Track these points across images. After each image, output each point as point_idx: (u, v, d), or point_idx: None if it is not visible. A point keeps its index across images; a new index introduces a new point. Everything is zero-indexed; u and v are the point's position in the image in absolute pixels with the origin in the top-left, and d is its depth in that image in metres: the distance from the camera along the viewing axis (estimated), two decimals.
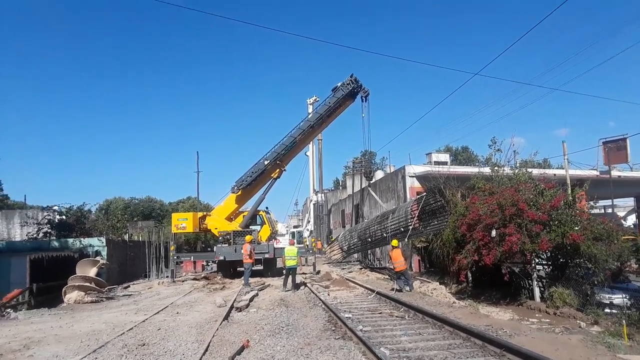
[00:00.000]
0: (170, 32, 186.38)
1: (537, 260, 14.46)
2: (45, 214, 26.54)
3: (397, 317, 11.38)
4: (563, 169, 25.54)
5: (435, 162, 31.46)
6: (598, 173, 30.59)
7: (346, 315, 11.26)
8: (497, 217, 13.63)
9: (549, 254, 14.44)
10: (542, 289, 14.07)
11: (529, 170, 17.88)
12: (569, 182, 22.74)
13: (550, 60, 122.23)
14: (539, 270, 14.57)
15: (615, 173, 31.03)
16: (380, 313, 12.03)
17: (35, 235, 24.51)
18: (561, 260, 14.37)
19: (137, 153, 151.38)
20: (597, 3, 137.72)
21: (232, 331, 10.17)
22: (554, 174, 21.40)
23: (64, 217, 26.24)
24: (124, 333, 10.21)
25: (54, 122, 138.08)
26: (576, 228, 13.15)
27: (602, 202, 33.93)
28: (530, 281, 14.47)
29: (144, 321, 11.79)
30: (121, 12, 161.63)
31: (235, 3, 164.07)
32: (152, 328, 10.82)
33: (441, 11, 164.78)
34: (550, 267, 14.82)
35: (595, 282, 13.25)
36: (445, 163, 32.43)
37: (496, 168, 18.76)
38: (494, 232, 13.46)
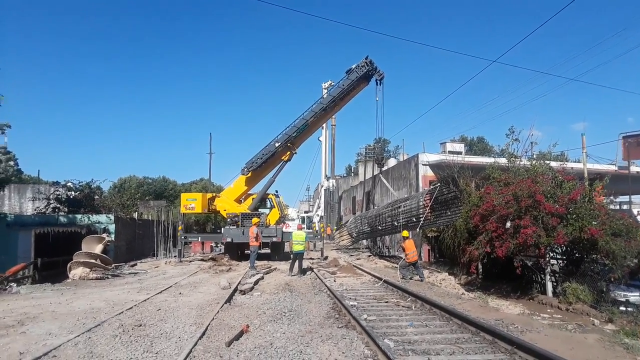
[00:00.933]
0: (186, 13, 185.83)
1: (551, 254, 14.03)
2: (54, 189, 26.49)
3: (403, 307, 11.02)
4: (580, 162, 24.80)
5: (449, 151, 30.83)
6: (616, 168, 29.70)
7: (351, 303, 10.94)
8: (512, 209, 13.19)
9: (564, 248, 13.99)
10: (555, 283, 13.66)
11: (547, 162, 17.28)
12: (586, 175, 22.10)
13: (570, 50, 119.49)
14: (552, 265, 14.13)
15: (634, 169, 30.16)
16: (386, 302, 11.68)
17: (44, 210, 24.49)
18: (577, 255, 13.94)
19: (152, 133, 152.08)
20: None
21: (233, 315, 9.91)
22: (572, 167, 20.76)
23: (73, 192, 26.19)
24: (122, 312, 10.00)
25: (72, 99, 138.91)
26: (594, 223, 12.69)
27: (618, 198, 33.09)
28: (542, 275, 14.06)
29: (145, 300, 11.60)
30: None
31: None
32: (152, 308, 10.60)
33: None
34: (565, 262, 14.38)
35: (612, 279, 12.79)
36: (460, 153, 31.75)
37: (513, 158, 18.18)
38: (508, 224, 13.04)
